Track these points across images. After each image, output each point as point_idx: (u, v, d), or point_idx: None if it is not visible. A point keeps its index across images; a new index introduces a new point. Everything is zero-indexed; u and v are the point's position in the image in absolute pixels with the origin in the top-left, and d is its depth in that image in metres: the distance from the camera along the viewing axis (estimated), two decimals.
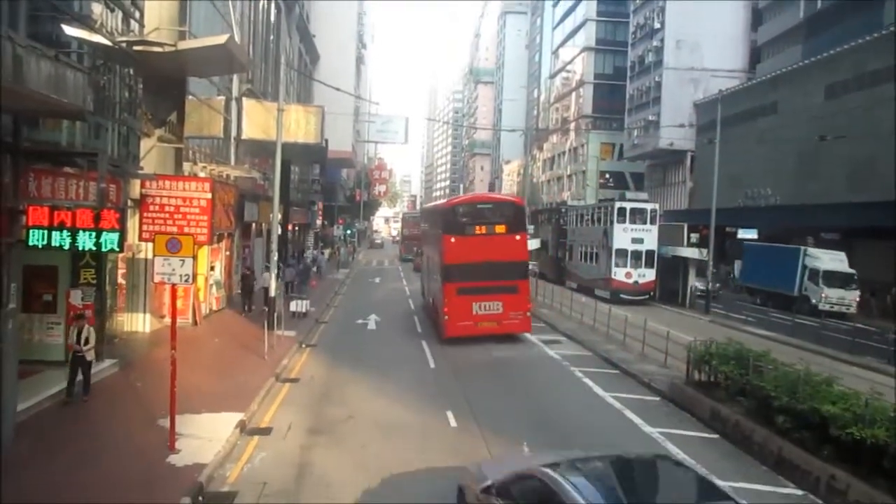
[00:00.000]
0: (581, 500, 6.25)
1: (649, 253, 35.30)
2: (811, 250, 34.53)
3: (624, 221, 35.54)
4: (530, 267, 26.33)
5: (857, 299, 32.62)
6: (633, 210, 36.06)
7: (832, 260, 33.45)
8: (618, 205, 36.48)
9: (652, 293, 35.59)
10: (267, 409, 14.45)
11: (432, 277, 26.46)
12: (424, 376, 18.17)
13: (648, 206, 36.82)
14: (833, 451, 10.32)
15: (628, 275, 35.04)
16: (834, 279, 32.44)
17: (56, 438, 11.38)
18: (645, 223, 35.63)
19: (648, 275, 35.29)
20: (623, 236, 35.36)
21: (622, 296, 34.42)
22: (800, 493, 10.41)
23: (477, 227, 23.18)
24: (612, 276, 35.19)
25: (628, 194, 41.35)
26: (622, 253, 35.26)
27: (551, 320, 27.92)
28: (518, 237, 23.42)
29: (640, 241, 35.34)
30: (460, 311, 22.33)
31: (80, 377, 13.59)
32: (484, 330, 22.53)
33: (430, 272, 27.44)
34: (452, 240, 22.90)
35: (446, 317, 22.51)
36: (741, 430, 12.60)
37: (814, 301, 32.28)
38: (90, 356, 13.59)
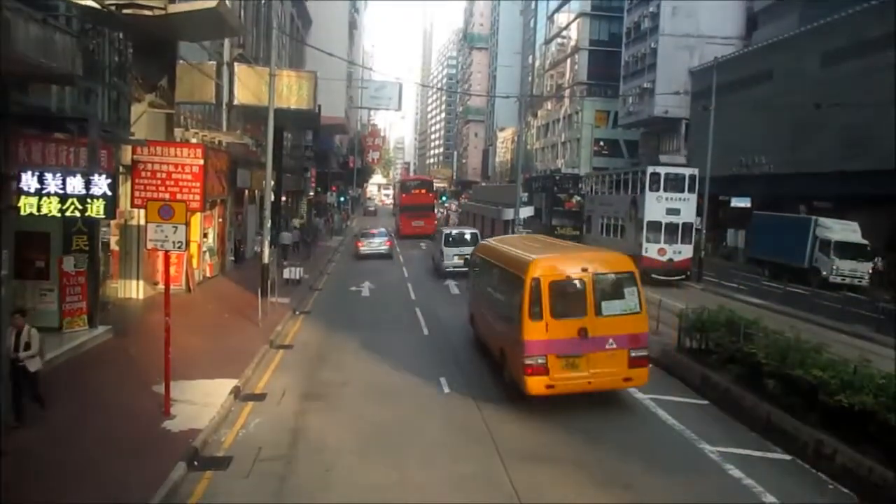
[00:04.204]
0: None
1: (686, 226, 30.92)
2: (822, 220, 32.99)
3: (658, 189, 30.96)
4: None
5: (871, 271, 31.27)
6: (668, 176, 31.47)
7: (844, 230, 32.08)
8: (650, 170, 31.77)
9: (689, 273, 31.32)
10: (261, 375, 14.55)
11: (395, 213, 63.22)
12: (418, 343, 18.29)
13: (687, 172, 32.19)
14: (821, 417, 10.49)
15: (662, 251, 30.53)
16: (846, 250, 31.05)
17: (49, 405, 11.42)
18: (682, 192, 31.06)
19: (685, 251, 30.82)
20: (656, 207, 30.77)
21: (654, 276, 29.65)
22: (787, 458, 10.58)
23: (413, 190, 55.67)
24: (644, 253, 30.15)
25: (662, 157, 36.40)
26: (655, 226, 30.74)
27: None
28: (430, 194, 57.48)
29: (677, 212, 30.78)
30: (406, 224, 52.52)
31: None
32: (416, 231, 50.49)
33: (395, 210, 68.10)
34: (403, 194, 56.06)
35: (400, 227, 53.24)
36: (731, 396, 12.76)
37: (824, 273, 31.07)
38: (34, 365, 10.62)
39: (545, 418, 12.14)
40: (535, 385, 12.16)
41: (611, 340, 12.34)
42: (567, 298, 12.51)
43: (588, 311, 12.32)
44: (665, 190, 31.04)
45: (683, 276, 31.02)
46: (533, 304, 12.20)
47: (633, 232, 32.10)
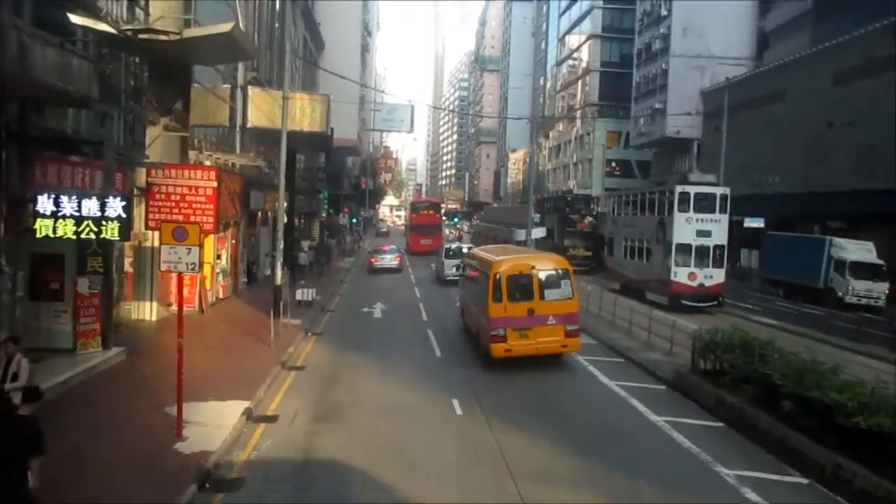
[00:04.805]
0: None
1: (718, 248, 28.77)
2: (837, 240, 32.41)
3: (687, 210, 28.63)
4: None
5: (887, 291, 30.41)
6: (698, 196, 28.86)
7: (859, 250, 31.53)
8: (679, 189, 29.17)
9: (722, 298, 28.96)
10: (273, 396, 14.53)
11: (407, 232, 68.31)
12: (430, 365, 18.20)
13: (718, 191, 29.37)
14: (838, 439, 10.34)
15: (692, 276, 28.36)
16: (861, 270, 30.59)
17: (61, 426, 11.44)
18: (713, 212, 28.75)
19: (717, 276, 28.61)
20: (686, 228, 28.54)
21: (684, 301, 28.00)
22: (805, 481, 10.41)
23: (422, 210, 61.96)
24: (672, 278, 28.48)
25: (691, 175, 33.27)
26: (684, 249, 28.63)
27: None
28: (438, 214, 62.96)
29: (707, 234, 28.60)
30: (415, 241, 58.16)
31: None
32: (424, 248, 54.77)
33: (406, 229, 72.96)
34: (413, 215, 63.04)
35: (410, 244, 59.02)
36: (746, 417, 12.60)
37: (840, 293, 30.48)
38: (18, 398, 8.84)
39: (558, 440, 12.04)
40: (497, 350, 16.76)
41: (551, 318, 16.86)
42: (520, 287, 16.98)
43: (535, 297, 16.90)
44: (695, 210, 28.78)
45: (716, 303, 28.72)
46: (496, 291, 16.84)
47: (660, 255, 30.12)
